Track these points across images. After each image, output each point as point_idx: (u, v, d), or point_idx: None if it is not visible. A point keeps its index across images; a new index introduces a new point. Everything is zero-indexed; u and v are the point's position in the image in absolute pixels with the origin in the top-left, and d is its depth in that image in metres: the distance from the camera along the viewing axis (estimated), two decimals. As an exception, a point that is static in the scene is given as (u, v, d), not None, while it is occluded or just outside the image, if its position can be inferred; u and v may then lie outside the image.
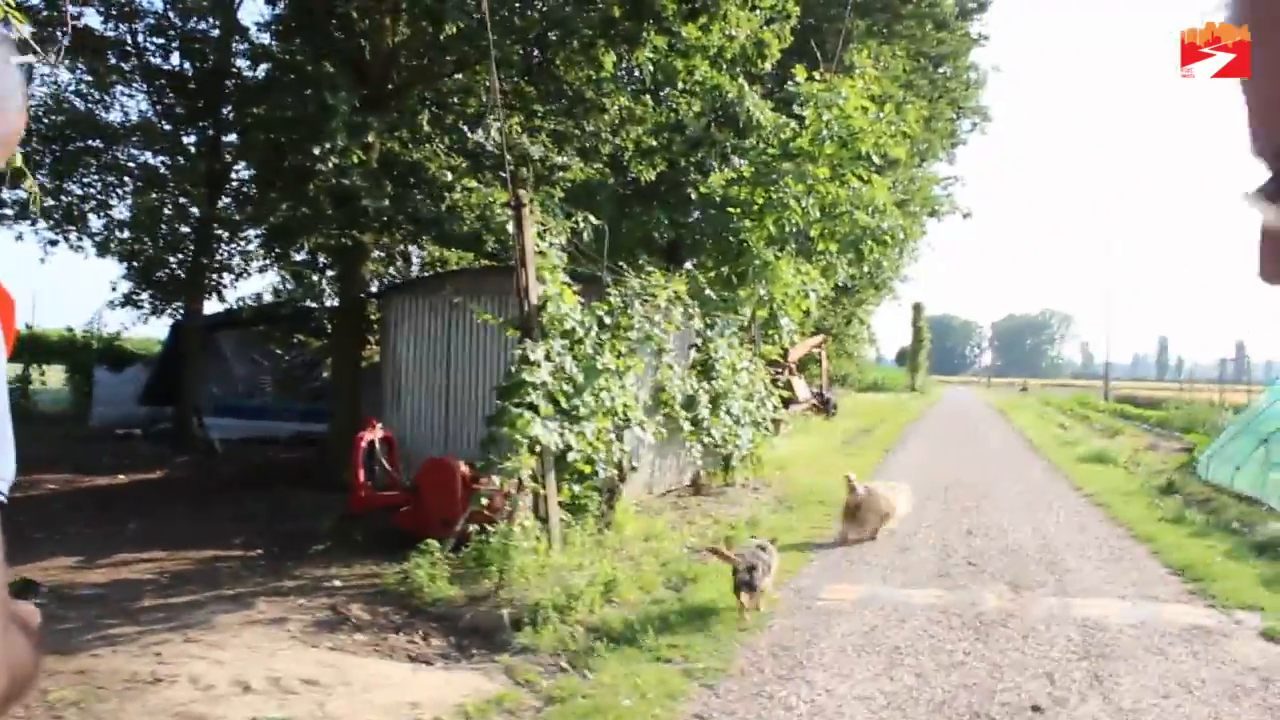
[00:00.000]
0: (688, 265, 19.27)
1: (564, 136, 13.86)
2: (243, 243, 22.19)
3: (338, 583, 9.16)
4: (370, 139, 12.08)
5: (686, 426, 13.28)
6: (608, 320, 10.58)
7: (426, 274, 16.21)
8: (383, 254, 15.83)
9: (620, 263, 13.12)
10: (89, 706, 5.98)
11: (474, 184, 9.85)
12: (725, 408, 15.30)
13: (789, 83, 18.97)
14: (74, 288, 36.42)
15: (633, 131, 15.55)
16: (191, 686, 6.27)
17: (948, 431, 32.92)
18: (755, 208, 17.54)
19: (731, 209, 17.68)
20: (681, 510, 13.63)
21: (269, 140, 13.36)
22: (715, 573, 9.87)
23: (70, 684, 6.35)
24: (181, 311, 20.74)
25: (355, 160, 11.81)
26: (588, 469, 10.22)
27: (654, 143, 16.40)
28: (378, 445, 11.38)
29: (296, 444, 19.96)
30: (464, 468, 10.89)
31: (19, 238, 21.04)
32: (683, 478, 15.68)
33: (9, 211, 20.15)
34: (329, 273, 17.28)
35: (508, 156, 10.70)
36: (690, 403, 13.73)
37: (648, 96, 16.27)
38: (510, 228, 9.74)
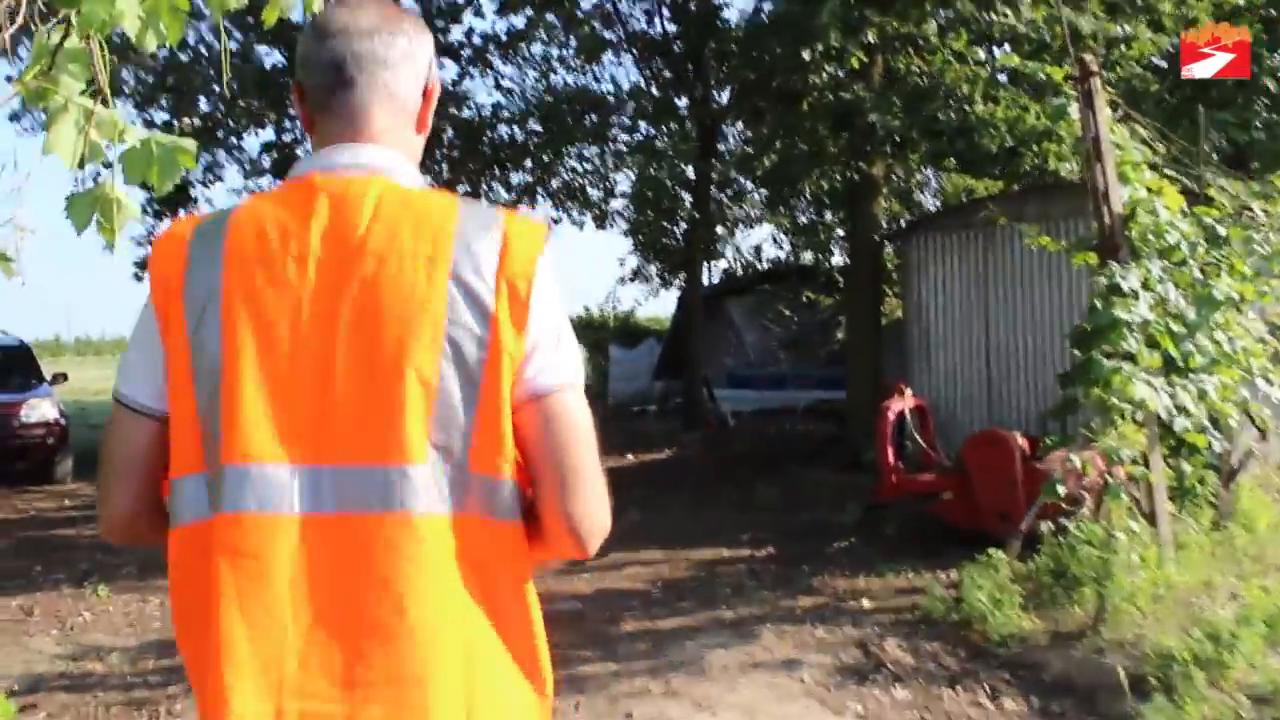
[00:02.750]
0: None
1: (1117, 8, 10.66)
2: (742, 203, 20.84)
3: (866, 602, 6.94)
4: (871, 39, 9.67)
5: (1319, 374, 9.69)
6: (1221, 231, 7.48)
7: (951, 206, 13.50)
8: (897, 188, 13.38)
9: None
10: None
11: (1015, 62, 7.13)
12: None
13: None
14: (591, 269, 37.55)
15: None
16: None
17: None
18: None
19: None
20: (1319, 489, 10.09)
21: (755, 65, 11.40)
22: None
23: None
24: (685, 281, 19.70)
25: (855, 64, 9.46)
26: (1201, 441, 7.22)
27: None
28: (909, 416, 9.07)
29: (814, 414, 18.19)
30: (1022, 441, 8.33)
31: (525, 220, 21.05)
32: (1301, 442, 11.94)
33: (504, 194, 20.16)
34: (835, 218, 15.18)
35: (1064, 24, 7.88)
36: (1323, 343, 10.09)
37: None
38: (1073, 114, 6.98)
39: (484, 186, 20.21)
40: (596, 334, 26.14)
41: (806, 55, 9.10)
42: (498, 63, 19.23)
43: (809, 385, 19.57)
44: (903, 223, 13.34)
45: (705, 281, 19.67)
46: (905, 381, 10.21)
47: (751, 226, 20.69)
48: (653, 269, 23.93)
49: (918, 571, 7.57)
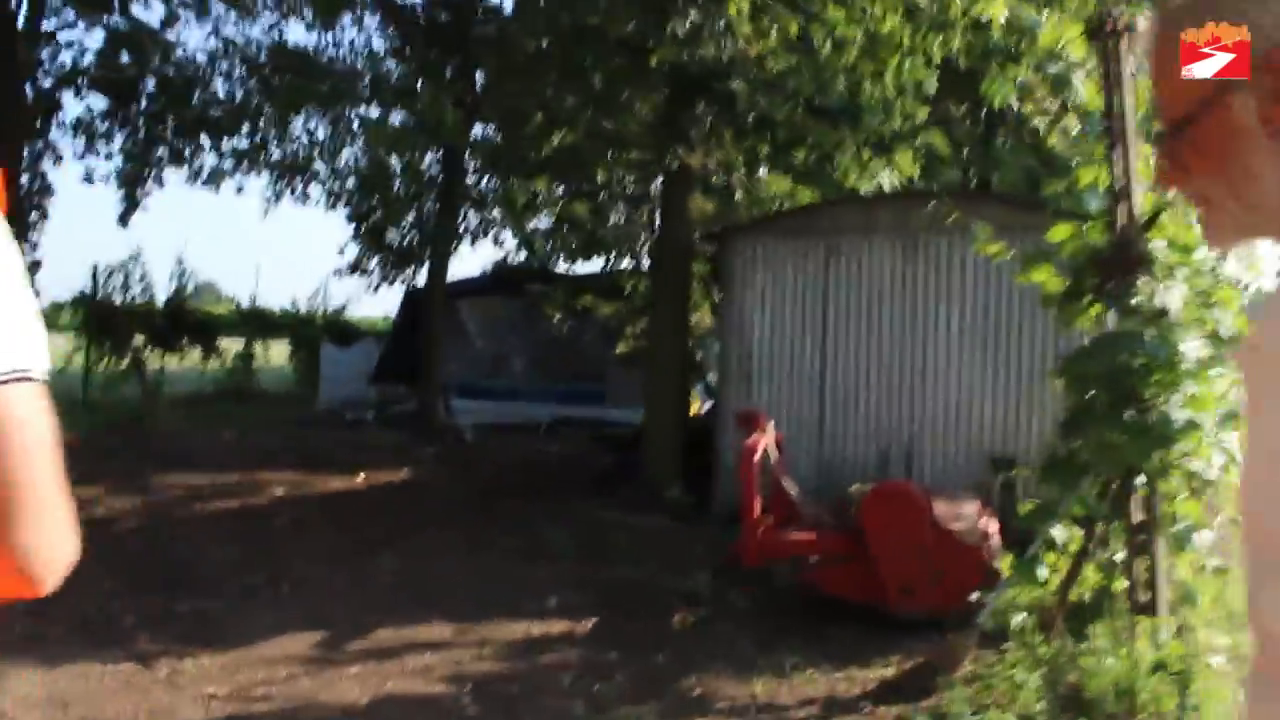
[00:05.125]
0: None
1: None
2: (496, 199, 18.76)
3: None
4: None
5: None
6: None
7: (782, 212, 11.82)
8: (715, 184, 11.62)
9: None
10: None
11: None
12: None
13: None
14: (298, 260, 34.35)
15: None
16: None
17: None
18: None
19: None
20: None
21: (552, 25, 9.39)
22: None
23: None
24: (425, 276, 17.38)
25: (734, 11, 7.54)
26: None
27: None
28: (770, 455, 7.24)
29: (557, 431, 16.34)
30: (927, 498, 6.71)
31: (239, 190, 18.25)
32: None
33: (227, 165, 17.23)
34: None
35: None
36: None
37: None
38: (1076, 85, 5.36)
39: (188, 150, 17.09)
40: (306, 331, 23.26)
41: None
42: (217, 6, 16.19)
43: (550, 399, 17.74)
44: (721, 225, 11.51)
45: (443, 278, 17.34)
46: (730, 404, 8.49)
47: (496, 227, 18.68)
48: (374, 262, 21.41)
49: (821, 666, 5.72)
